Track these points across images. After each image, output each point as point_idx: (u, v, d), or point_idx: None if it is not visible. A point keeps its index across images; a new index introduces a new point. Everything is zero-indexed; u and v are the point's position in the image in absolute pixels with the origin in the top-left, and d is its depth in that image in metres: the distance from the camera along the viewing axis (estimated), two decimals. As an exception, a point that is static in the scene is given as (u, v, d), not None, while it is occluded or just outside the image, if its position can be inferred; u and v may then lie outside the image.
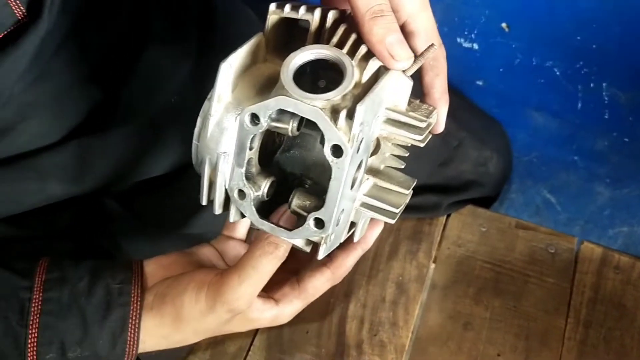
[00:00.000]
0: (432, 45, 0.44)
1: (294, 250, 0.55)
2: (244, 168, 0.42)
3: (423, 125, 0.42)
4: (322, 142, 0.41)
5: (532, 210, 1.19)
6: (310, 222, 0.42)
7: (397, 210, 0.43)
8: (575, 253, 0.79)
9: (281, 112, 0.40)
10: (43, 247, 0.60)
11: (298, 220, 0.44)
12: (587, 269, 0.78)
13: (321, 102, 0.38)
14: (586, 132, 0.95)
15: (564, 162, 1.03)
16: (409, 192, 0.44)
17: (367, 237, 0.52)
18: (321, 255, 0.45)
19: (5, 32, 0.47)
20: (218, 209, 0.45)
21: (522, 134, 1.01)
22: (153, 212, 0.67)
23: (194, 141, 0.45)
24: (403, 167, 0.45)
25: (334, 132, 0.38)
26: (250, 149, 0.42)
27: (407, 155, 0.45)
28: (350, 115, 0.39)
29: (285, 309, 0.52)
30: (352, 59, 0.40)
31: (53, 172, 0.57)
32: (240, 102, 0.42)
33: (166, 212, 0.67)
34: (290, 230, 0.43)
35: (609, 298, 0.76)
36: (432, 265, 0.78)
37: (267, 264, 0.46)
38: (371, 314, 0.74)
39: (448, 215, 0.82)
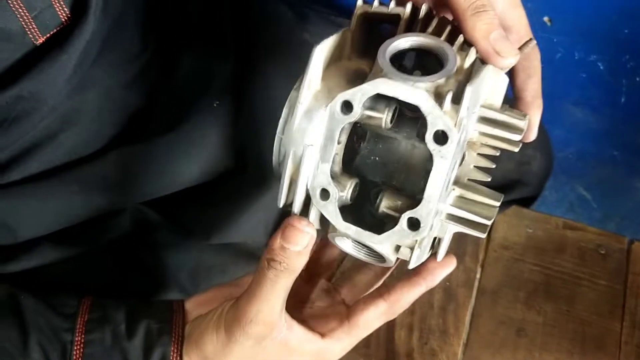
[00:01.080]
0: (530, 39, 0.41)
1: (349, 279, 0.50)
2: (330, 164, 0.38)
3: (522, 124, 0.38)
4: (420, 134, 0.38)
5: (566, 207, 1.17)
6: (404, 223, 0.38)
7: (488, 223, 0.39)
8: (627, 253, 0.77)
9: (376, 99, 0.36)
10: (85, 265, 0.58)
11: (386, 225, 0.40)
12: (640, 269, 0.75)
13: (425, 85, 0.35)
14: (628, 126, 0.92)
15: (602, 158, 1.00)
16: (498, 204, 0.40)
17: (435, 273, 0.46)
18: (413, 263, 0.41)
19: (49, 35, 0.45)
20: (297, 209, 0.41)
21: (558, 129, 0.98)
22: (194, 222, 0.64)
23: (278, 134, 0.41)
24: (489, 180, 0.42)
25: (439, 116, 0.35)
26: (339, 142, 0.38)
27: (493, 167, 0.41)
28: (456, 100, 0.36)
29: (332, 345, 0.47)
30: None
31: (96, 183, 0.55)
32: (330, 90, 0.39)
33: (208, 221, 0.65)
34: (379, 234, 0.39)
35: (666, 300, 0.73)
36: (480, 269, 0.75)
37: (274, 279, 0.42)
38: (420, 322, 0.71)
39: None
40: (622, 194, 1.04)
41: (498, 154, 0.40)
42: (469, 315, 0.72)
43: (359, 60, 0.42)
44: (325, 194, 0.39)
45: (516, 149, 0.39)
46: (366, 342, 0.69)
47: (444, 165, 0.36)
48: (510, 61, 0.39)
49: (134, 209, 0.61)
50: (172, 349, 0.46)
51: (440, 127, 0.35)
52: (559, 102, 0.94)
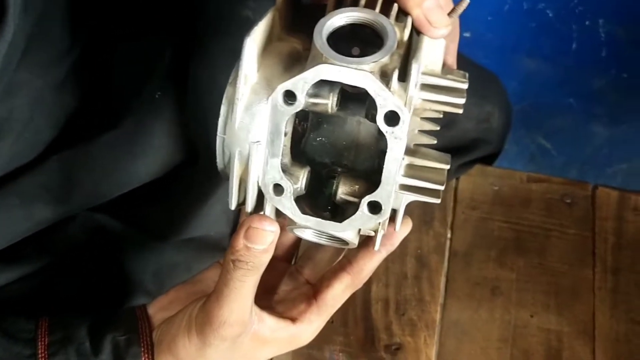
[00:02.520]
0: (464, 0, 0.40)
1: (310, 259, 0.49)
2: (280, 157, 0.37)
3: (465, 86, 0.38)
4: (369, 115, 0.36)
5: (527, 158, 1.17)
6: (365, 208, 0.37)
7: (441, 188, 0.38)
8: (592, 200, 0.77)
9: (319, 85, 0.35)
10: (41, 282, 0.55)
11: (345, 210, 0.39)
12: (606, 214, 0.76)
13: (369, 65, 0.34)
14: (582, 73, 0.92)
15: (558, 106, 1.00)
16: (448, 166, 0.39)
17: (394, 237, 0.46)
18: (378, 245, 0.41)
19: None
20: (250, 208, 0.39)
21: (513, 82, 0.98)
22: (151, 221, 0.62)
23: (219, 134, 0.39)
24: (435, 142, 0.41)
25: (388, 97, 0.34)
26: (285, 134, 0.37)
27: (438, 129, 0.40)
28: (402, 77, 0.35)
29: (304, 328, 0.46)
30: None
31: (38, 194, 0.52)
32: (269, 81, 0.37)
33: (164, 218, 0.62)
34: (340, 221, 0.37)
35: (633, 241, 0.74)
36: (449, 233, 0.75)
37: (241, 278, 0.41)
38: (395, 293, 0.70)
39: (457, 179, 0.78)
40: (581, 140, 1.05)
41: (441, 116, 0.39)
42: (444, 280, 0.71)
43: (290, 37, 0.40)
44: (278, 189, 0.38)
45: (460, 111, 0.38)
46: (344, 321, 0.68)
47: (399, 146, 0.35)
48: (442, 32, 0.38)
49: (84, 217, 0.57)
50: (143, 358, 0.44)
51: (391, 108, 0.34)
52: (511, 54, 0.93)
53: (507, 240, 0.74)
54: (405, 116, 0.34)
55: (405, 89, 0.35)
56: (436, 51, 0.39)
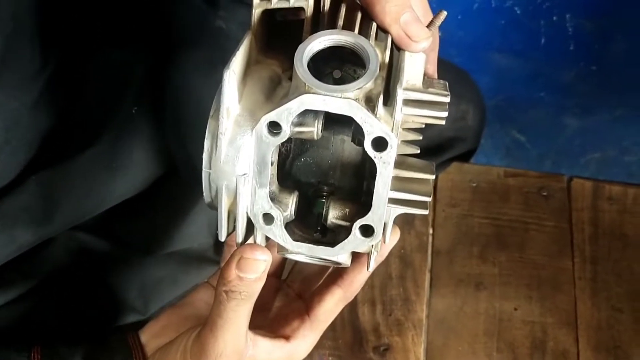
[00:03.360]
0: (441, 11, 0.40)
1: (300, 273, 0.49)
2: (268, 188, 0.37)
3: (447, 99, 0.38)
4: (355, 140, 0.36)
5: (503, 152, 1.19)
6: (357, 232, 0.36)
7: (428, 199, 0.39)
8: (567, 191, 0.78)
9: (303, 113, 0.35)
10: (27, 307, 0.54)
11: (337, 233, 0.39)
12: (582, 205, 0.77)
13: (353, 92, 0.34)
14: (551, 66, 0.94)
15: (530, 100, 1.02)
16: (433, 176, 0.40)
17: (382, 249, 0.45)
18: (372, 266, 0.40)
19: None
20: (240, 239, 0.39)
21: (485, 78, 0.99)
22: (133, 236, 0.61)
23: (205, 169, 0.38)
24: (418, 152, 0.41)
25: (375, 124, 0.34)
26: (272, 163, 0.36)
27: (420, 138, 0.40)
28: (387, 100, 0.35)
29: (299, 344, 0.46)
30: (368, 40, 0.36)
31: (17, 217, 0.51)
32: (252, 111, 0.37)
33: (146, 233, 0.62)
34: (331, 244, 0.37)
35: (610, 230, 0.75)
36: (431, 231, 0.76)
37: (235, 308, 0.41)
38: (381, 294, 0.71)
39: (436, 177, 0.79)
40: (554, 132, 1.07)
41: (424, 126, 0.40)
42: (428, 279, 0.72)
43: (267, 60, 0.39)
44: (268, 218, 0.37)
45: (442, 123, 0.39)
46: (331, 325, 0.68)
47: (388, 170, 0.35)
48: (423, 45, 0.38)
49: (66, 237, 0.57)
50: None
51: (378, 134, 0.34)
52: (482, 51, 0.95)
53: (488, 235, 0.75)
54: (392, 141, 0.34)
55: (392, 114, 0.35)
56: (417, 65, 0.38)
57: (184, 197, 0.61)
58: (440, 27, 0.42)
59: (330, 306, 0.46)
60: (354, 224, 0.36)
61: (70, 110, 0.55)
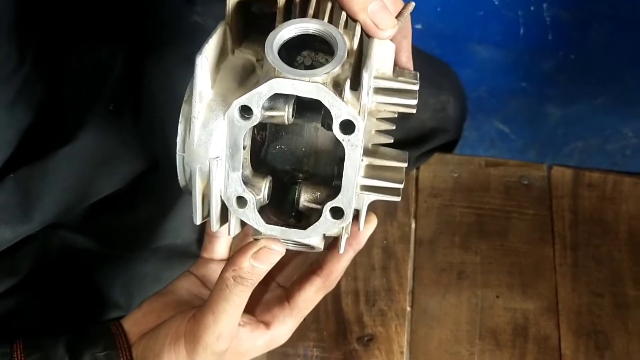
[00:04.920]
0: (410, 2, 0.41)
1: (281, 263, 0.50)
2: (240, 171, 0.38)
3: (416, 87, 0.39)
4: (325, 124, 0.37)
5: (488, 143, 1.20)
6: (327, 214, 0.38)
7: (400, 186, 0.40)
8: (548, 179, 0.79)
9: (274, 98, 0.36)
10: (9, 304, 0.54)
11: (310, 216, 0.39)
12: (562, 192, 0.78)
13: (321, 77, 0.35)
14: (531, 56, 0.94)
15: (512, 90, 1.03)
16: (406, 164, 0.41)
17: (360, 236, 0.47)
18: (343, 248, 0.42)
19: None
20: (215, 225, 0.40)
21: (467, 70, 1.00)
22: (115, 233, 0.61)
23: (178, 152, 0.39)
24: (392, 141, 0.42)
25: (342, 107, 0.35)
26: (244, 147, 0.37)
27: (394, 128, 0.41)
28: (354, 85, 0.36)
29: (279, 331, 0.47)
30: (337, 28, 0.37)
31: (-4, 215, 0.51)
32: (224, 97, 0.38)
33: (128, 229, 0.62)
34: (304, 228, 0.38)
35: (589, 216, 0.76)
36: (414, 222, 0.76)
37: (240, 293, 0.42)
38: (364, 285, 0.72)
39: (417, 168, 0.80)
40: (537, 121, 1.07)
41: (396, 116, 0.40)
42: (411, 269, 0.73)
43: (242, 50, 0.40)
44: (241, 201, 0.38)
45: (413, 111, 0.40)
46: (315, 316, 0.69)
47: (356, 153, 0.36)
48: (389, 33, 0.39)
49: (46, 234, 0.57)
50: None
51: (345, 117, 0.35)
52: (463, 43, 0.95)
53: (469, 225, 0.76)
54: (359, 124, 0.35)
55: (358, 98, 0.36)
56: (386, 53, 0.40)
57: (166, 192, 0.61)
58: (420, 20, 0.43)
59: (310, 294, 0.47)
60: (325, 207, 0.37)
61: (48, 107, 0.55)
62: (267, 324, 0.47)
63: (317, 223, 0.38)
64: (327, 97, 0.35)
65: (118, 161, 0.58)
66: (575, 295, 0.71)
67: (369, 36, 0.40)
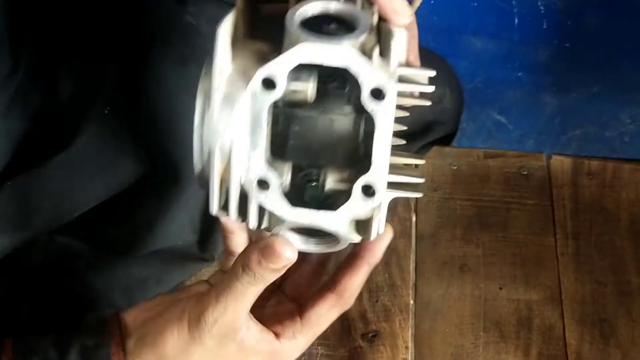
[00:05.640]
0: None
1: (290, 278, 0.47)
2: (263, 150, 0.35)
3: (433, 73, 0.37)
4: (351, 100, 0.35)
5: (485, 134, 1.20)
6: (357, 191, 0.35)
7: (423, 180, 0.38)
8: (547, 169, 0.79)
9: (296, 72, 0.34)
10: (9, 310, 0.54)
11: (334, 204, 0.36)
12: (562, 181, 0.78)
13: (351, 41, 0.33)
14: (526, 46, 0.94)
15: (508, 81, 1.02)
16: (423, 161, 0.39)
17: (375, 249, 0.44)
18: (374, 234, 0.39)
19: None
20: (234, 215, 0.37)
21: (463, 62, 1.00)
22: (115, 238, 0.61)
23: (196, 130, 0.36)
24: (404, 143, 0.40)
25: (372, 72, 0.33)
26: (268, 123, 0.35)
27: (405, 129, 0.40)
28: (383, 52, 0.34)
29: (288, 345, 0.45)
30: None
31: (-6, 223, 0.51)
32: (244, 72, 0.35)
33: (127, 233, 0.62)
34: (334, 210, 0.35)
35: (590, 205, 0.76)
36: (414, 216, 0.76)
37: (245, 284, 0.40)
38: (367, 281, 0.69)
39: (416, 162, 0.80)
40: (534, 111, 1.07)
41: (408, 114, 0.39)
42: (413, 263, 0.73)
43: (253, 42, 0.38)
44: (263, 184, 0.35)
45: (428, 103, 0.39)
46: (319, 314, 0.69)
47: (388, 122, 0.34)
48: (406, 20, 0.38)
49: (45, 241, 0.57)
50: (115, 358, 0.43)
51: (376, 84, 0.33)
52: (458, 35, 0.95)
53: (470, 217, 0.76)
54: (391, 88, 0.33)
55: (388, 63, 0.34)
56: (402, 40, 0.38)
57: (163, 196, 0.61)
58: (416, 13, 0.42)
59: (324, 311, 0.45)
60: (355, 184, 0.35)
61: (43, 114, 0.55)
62: (277, 335, 0.45)
63: (347, 203, 0.35)
64: (358, 62, 0.32)
65: (115, 166, 0.57)
66: (578, 284, 0.71)
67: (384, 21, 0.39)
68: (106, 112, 0.56)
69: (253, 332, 0.44)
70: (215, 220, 0.44)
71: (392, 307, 0.70)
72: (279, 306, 0.47)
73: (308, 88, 0.35)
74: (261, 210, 0.38)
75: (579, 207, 0.76)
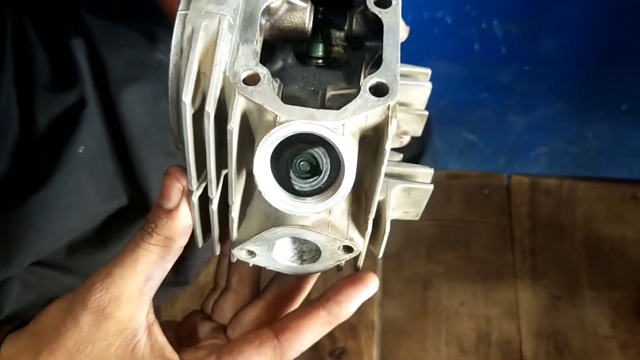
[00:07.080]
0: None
1: (276, 287, 0.39)
2: (254, 45, 0.30)
3: (428, 70, 0.38)
4: (357, 7, 0.33)
5: (457, 152, 1.23)
6: (367, 91, 0.29)
7: (432, 171, 0.38)
8: (507, 188, 0.83)
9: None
10: None
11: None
12: (520, 200, 0.82)
13: None
14: (489, 69, 0.98)
15: (475, 102, 1.06)
16: (432, 170, 0.39)
17: (344, 305, 0.37)
18: (361, 263, 0.37)
19: None
20: (211, 104, 0.30)
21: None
22: (91, 268, 0.63)
23: (180, 11, 0.31)
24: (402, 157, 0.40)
25: None
26: (260, 21, 0.31)
27: (400, 158, 0.39)
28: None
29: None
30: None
31: (-26, 260, 0.53)
32: None
33: (105, 263, 0.64)
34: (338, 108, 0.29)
35: (547, 222, 0.80)
36: (380, 237, 0.79)
37: (139, 242, 0.36)
38: (334, 301, 0.74)
39: (382, 184, 0.83)
40: (502, 130, 1.10)
41: (403, 140, 0.40)
42: (378, 282, 0.76)
43: None
44: (254, 78, 0.30)
45: (426, 113, 0.39)
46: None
47: (395, 22, 0.32)
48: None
49: (24, 273, 0.59)
50: None
51: None
52: (422, 60, 0.98)
53: (433, 236, 0.79)
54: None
55: None
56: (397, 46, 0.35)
57: (138, 224, 0.63)
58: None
59: (306, 332, 0.37)
60: (363, 84, 0.29)
61: (19, 154, 0.58)
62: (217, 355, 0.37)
63: (354, 101, 0.29)
64: None
65: (89, 203, 0.60)
66: (535, 299, 0.74)
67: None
68: (80, 150, 0.59)
69: (153, 341, 0.36)
70: (190, 245, 0.39)
71: (358, 325, 0.73)
72: (207, 341, 0.40)
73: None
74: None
75: (537, 224, 0.80)
